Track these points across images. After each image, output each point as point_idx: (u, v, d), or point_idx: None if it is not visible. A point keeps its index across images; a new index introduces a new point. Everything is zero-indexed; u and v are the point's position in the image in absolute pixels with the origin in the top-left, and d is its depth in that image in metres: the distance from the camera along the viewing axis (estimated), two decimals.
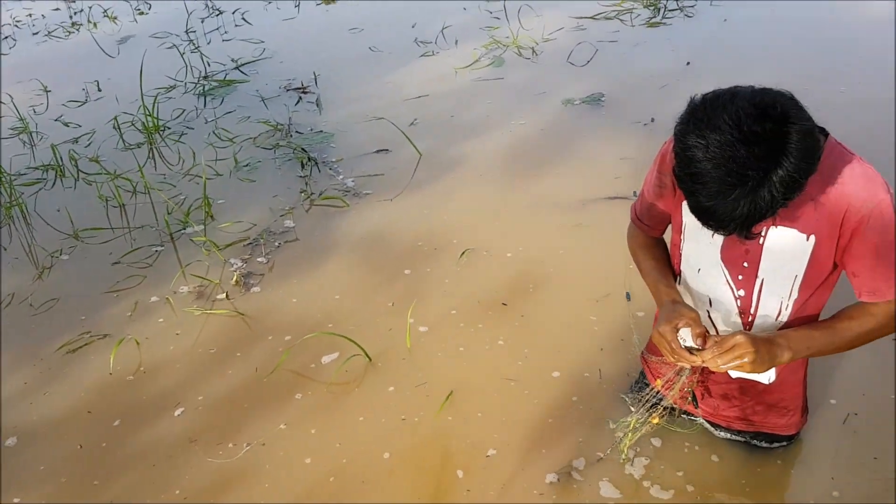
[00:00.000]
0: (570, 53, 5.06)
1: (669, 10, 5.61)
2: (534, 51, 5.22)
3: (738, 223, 1.35)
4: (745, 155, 1.28)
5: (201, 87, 5.10)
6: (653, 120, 4.07)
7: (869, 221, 1.50)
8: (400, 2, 6.59)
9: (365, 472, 2.25)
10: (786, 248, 1.61)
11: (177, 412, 2.52)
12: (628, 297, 2.79)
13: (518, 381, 2.53)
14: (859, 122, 3.77)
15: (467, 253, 3.20)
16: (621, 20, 5.56)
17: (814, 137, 1.34)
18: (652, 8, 5.66)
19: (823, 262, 1.62)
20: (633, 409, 2.03)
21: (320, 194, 3.75)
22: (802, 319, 1.73)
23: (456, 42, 5.51)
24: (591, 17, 5.64)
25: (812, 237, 1.57)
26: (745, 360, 1.57)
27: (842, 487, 2.07)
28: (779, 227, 1.58)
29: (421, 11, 6.25)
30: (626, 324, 2.69)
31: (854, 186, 1.50)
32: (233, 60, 5.51)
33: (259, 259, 3.31)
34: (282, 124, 4.49)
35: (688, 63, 4.74)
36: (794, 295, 1.69)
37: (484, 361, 2.64)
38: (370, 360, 2.68)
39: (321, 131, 4.39)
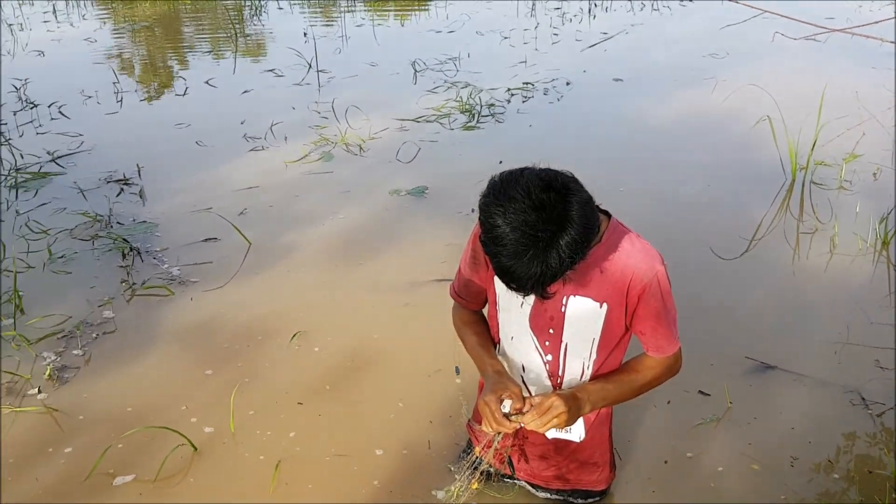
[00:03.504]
0: (397, 151, 5.35)
1: (483, 116, 6.11)
2: (361, 148, 5.47)
3: (534, 282, 1.52)
4: (536, 219, 1.48)
5: (13, 180, 4.84)
6: (473, 210, 4.36)
7: (650, 289, 1.75)
8: (228, 100, 6.66)
9: None
10: (583, 315, 1.83)
11: None
12: (457, 371, 2.93)
13: (348, 457, 2.57)
14: (633, 218, 4.22)
15: (297, 336, 3.23)
16: (441, 123, 5.98)
17: (591, 207, 1.57)
18: (468, 114, 6.14)
19: (615, 326, 1.85)
20: (457, 477, 2.12)
21: (143, 284, 3.65)
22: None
23: (286, 138, 5.65)
24: (413, 120, 6.02)
25: (604, 305, 1.80)
26: (560, 417, 1.75)
27: None
28: (577, 296, 1.80)
29: (250, 109, 6.35)
30: (456, 396, 2.82)
31: (636, 259, 1.75)
32: (48, 153, 5.28)
33: (75, 352, 3.14)
34: (101, 215, 4.34)
35: (500, 162, 5.16)
36: (594, 356, 1.91)
37: (311, 442, 2.66)
38: (196, 449, 2.60)
39: (144, 221, 4.29)
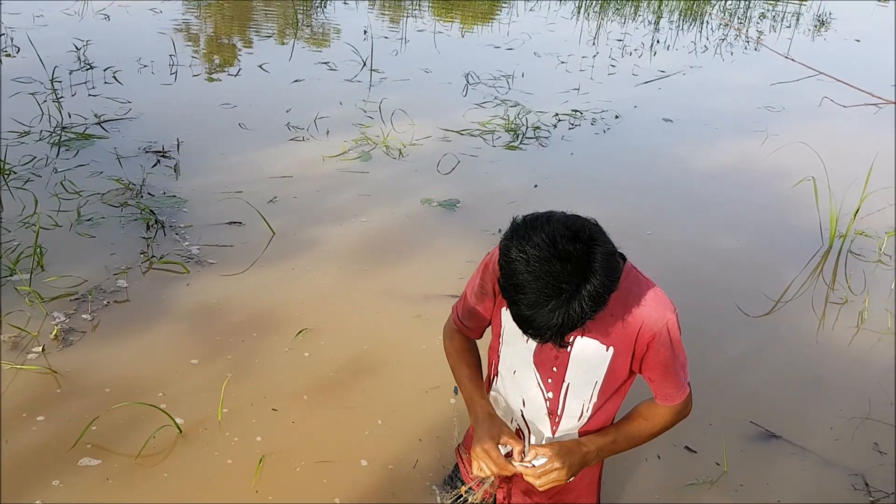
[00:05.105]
0: (436, 161, 5.33)
1: (527, 138, 6.08)
2: (401, 152, 5.47)
3: (554, 332, 1.49)
4: (560, 269, 1.44)
5: (57, 137, 4.93)
6: (500, 231, 4.33)
7: (660, 337, 1.71)
8: (278, 87, 6.72)
9: None
10: (589, 357, 1.79)
11: None
12: (456, 391, 2.88)
13: (333, 463, 2.55)
14: (657, 263, 4.19)
15: (303, 333, 3.23)
16: (484, 139, 5.96)
17: (615, 258, 1.54)
18: (512, 133, 6.12)
19: (619, 371, 1.81)
20: (440, 500, 2.09)
21: (161, 258, 3.68)
22: (600, 421, 1.91)
23: (328, 132, 5.68)
24: (457, 132, 6.01)
25: (611, 349, 1.76)
26: (559, 478, 1.73)
27: None
28: (584, 337, 1.76)
29: (297, 98, 6.40)
30: (450, 417, 2.78)
31: (647, 307, 1.71)
32: (95, 115, 5.38)
33: (84, 315, 3.18)
34: (134, 184, 4.40)
35: (535, 186, 5.14)
36: (594, 399, 1.86)
37: (298, 442, 2.64)
38: (181, 432, 2.61)
39: (174, 196, 4.34)
